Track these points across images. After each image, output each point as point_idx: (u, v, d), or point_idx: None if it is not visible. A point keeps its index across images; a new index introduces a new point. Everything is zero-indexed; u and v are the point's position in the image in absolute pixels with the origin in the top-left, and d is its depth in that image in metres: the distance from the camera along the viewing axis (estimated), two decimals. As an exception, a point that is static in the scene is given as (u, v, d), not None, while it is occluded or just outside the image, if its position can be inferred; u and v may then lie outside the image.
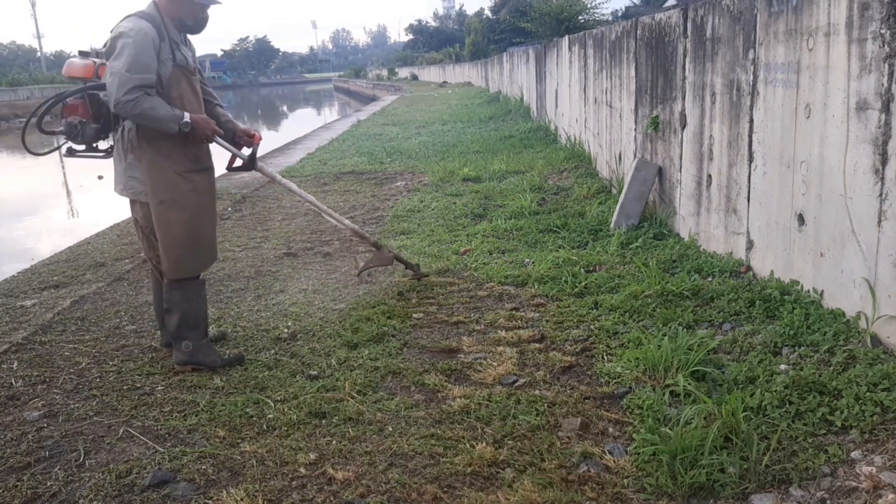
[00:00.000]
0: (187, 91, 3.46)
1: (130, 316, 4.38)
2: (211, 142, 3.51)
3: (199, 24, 3.51)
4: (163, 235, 3.46)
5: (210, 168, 3.61)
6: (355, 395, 3.15)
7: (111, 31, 3.31)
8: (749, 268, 4.17)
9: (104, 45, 3.43)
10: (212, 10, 3.53)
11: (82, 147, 3.57)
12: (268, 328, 4.03)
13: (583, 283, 4.37)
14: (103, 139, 3.60)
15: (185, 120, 3.31)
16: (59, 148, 3.87)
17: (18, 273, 5.86)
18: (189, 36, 3.57)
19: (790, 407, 2.68)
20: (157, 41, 3.28)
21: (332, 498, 2.42)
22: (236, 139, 3.74)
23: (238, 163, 3.78)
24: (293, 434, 2.83)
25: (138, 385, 3.38)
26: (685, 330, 3.51)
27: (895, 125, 2.79)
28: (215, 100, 3.78)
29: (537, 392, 3.05)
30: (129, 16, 3.35)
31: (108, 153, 3.59)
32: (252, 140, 3.75)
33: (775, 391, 2.78)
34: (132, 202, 3.53)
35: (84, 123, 3.46)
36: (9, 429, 3.03)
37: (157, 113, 3.24)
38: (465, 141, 12.27)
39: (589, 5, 23.86)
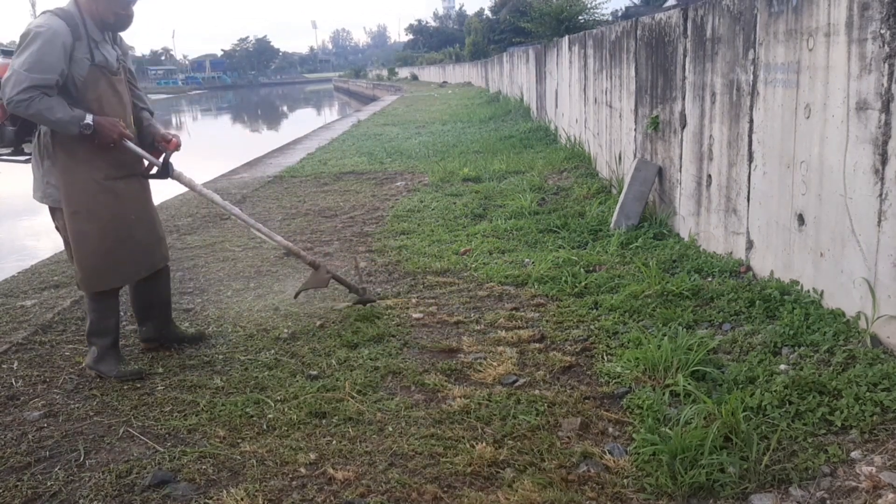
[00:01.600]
0: (107, 93, 3.30)
1: (130, 316, 4.38)
2: (119, 146, 3.27)
3: (121, 21, 3.35)
4: (76, 247, 3.31)
5: (136, 174, 3.46)
6: (355, 395, 3.15)
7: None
8: (749, 268, 4.17)
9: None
10: (138, 7, 3.40)
11: (8, 150, 3.41)
12: (268, 328, 4.03)
13: (583, 283, 4.37)
14: (28, 142, 3.40)
15: (85, 122, 3.13)
16: None
17: (18, 273, 5.86)
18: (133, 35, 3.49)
19: (790, 407, 2.68)
20: (68, 40, 3.12)
21: (332, 498, 2.42)
22: (155, 144, 3.53)
23: (154, 170, 3.50)
24: (293, 434, 2.83)
25: (138, 385, 3.38)
26: (685, 330, 3.51)
27: (895, 125, 2.79)
28: (142, 103, 3.62)
29: (537, 392, 3.06)
30: (44, 12, 3.18)
31: (30, 158, 3.40)
32: (168, 145, 3.50)
33: (775, 391, 2.78)
34: (52, 210, 3.36)
35: (2, 126, 3.29)
36: (9, 429, 3.03)
37: (54, 115, 3.08)
38: (465, 141, 12.27)
39: (589, 5, 23.82)
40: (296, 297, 4.17)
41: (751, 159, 4.06)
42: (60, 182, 3.26)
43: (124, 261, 3.42)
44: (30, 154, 3.40)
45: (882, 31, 2.82)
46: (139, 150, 3.39)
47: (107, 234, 3.33)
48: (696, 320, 3.65)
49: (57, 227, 3.42)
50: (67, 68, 3.14)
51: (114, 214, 3.34)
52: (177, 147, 3.52)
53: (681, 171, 5.19)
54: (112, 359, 3.48)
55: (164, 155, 3.49)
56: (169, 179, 3.54)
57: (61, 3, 3.29)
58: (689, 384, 2.92)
